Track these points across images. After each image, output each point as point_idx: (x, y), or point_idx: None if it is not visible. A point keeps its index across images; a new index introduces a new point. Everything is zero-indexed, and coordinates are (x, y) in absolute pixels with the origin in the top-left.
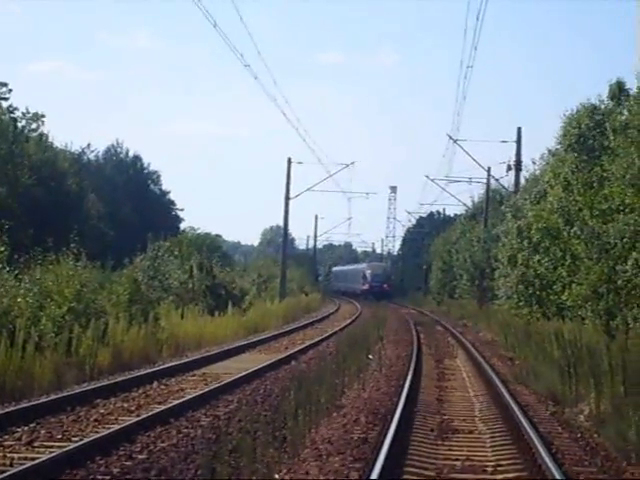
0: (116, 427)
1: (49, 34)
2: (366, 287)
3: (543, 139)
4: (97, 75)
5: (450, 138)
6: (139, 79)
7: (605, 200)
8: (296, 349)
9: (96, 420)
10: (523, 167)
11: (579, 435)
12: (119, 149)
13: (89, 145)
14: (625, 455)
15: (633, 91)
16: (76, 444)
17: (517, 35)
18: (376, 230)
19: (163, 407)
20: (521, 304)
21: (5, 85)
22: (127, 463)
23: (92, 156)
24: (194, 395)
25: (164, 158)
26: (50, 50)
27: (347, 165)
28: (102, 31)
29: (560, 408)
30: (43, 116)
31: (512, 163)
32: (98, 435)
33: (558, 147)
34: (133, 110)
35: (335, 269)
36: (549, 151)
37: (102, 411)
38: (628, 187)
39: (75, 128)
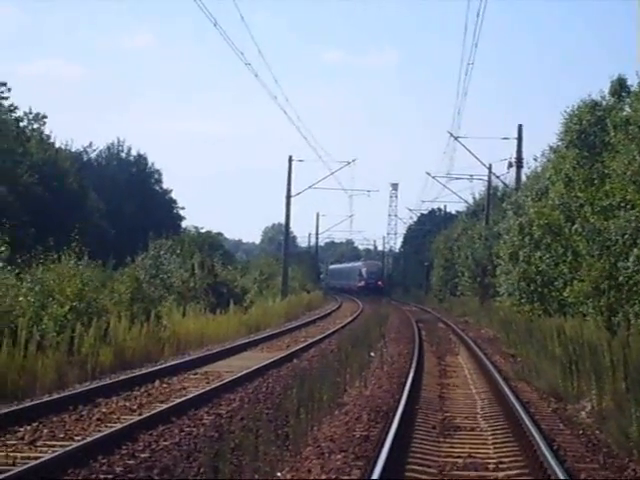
0: (118, 426)
1: (49, 33)
2: (362, 284)
3: (544, 136)
4: (97, 74)
5: (451, 135)
6: (139, 78)
7: (606, 197)
8: (298, 347)
9: (98, 419)
10: (524, 164)
11: (581, 432)
12: (120, 148)
13: (91, 144)
14: (627, 451)
15: (634, 87)
16: (79, 443)
17: (517, 32)
18: (378, 227)
19: (165, 406)
20: (523, 301)
21: (4, 84)
22: (130, 462)
23: (94, 155)
24: (196, 393)
25: (165, 157)
26: (49, 49)
27: (348, 162)
28: (102, 31)
29: (562, 405)
30: (45, 117)
31: (513, 160)
32: (100, 434)
33: (559, 144)
34: (134, 109)
35: (332, 267)
36: (550, 148)
37: (104, 410)
38: (629, 184)
39: (75, 127)
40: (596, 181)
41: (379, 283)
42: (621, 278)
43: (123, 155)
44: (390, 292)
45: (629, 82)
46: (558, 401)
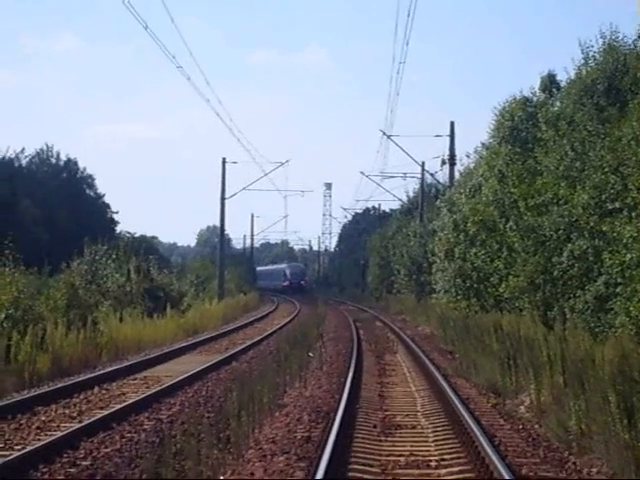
0: (59, 434)
1: None
2: (287, 283)
3: (477, 133)
4: (19, 78)
5: (384, 134)
6: (64, 82)
7: (539, 193)
8: (236, 349)
9: (38, 428)
10: (457, 161)
11: (521, 426)
12: (50, 153)
13: (23, 150)
14: (567, 445)
15: (563, 83)
16: (18, 453)
17: (448, 29)
18: (313, 227)
19: (105, 412)
20: (459, 297)
21: None
22: (71, 470)
23: (24, 162)
24: (136, 399)
25: (97, 161)
26: None
27: (282, 163)
28: (24, 33)
29: (501, 400)
30: None
31: (446, 157)
32: (40, 443)
33: (491, 140)
34: (61, 114)
35: (259, 269)
36: (482, 145)
37: (43, 418)
38: (561, 179)
39: (1, 133)
40: (529, 177)
41: (302, 282)
42: (556, 273)
43: (53, 160)
44: (313, 290)
45: (558, 78)
46: (497, 396)
